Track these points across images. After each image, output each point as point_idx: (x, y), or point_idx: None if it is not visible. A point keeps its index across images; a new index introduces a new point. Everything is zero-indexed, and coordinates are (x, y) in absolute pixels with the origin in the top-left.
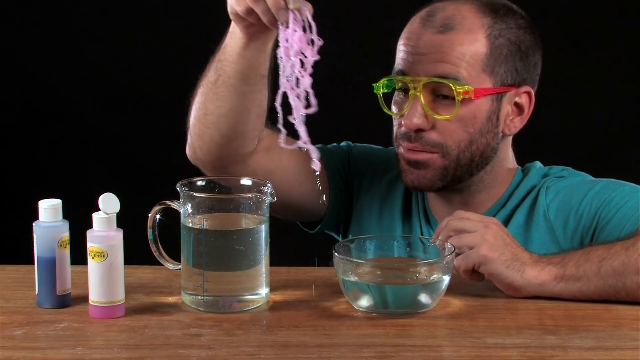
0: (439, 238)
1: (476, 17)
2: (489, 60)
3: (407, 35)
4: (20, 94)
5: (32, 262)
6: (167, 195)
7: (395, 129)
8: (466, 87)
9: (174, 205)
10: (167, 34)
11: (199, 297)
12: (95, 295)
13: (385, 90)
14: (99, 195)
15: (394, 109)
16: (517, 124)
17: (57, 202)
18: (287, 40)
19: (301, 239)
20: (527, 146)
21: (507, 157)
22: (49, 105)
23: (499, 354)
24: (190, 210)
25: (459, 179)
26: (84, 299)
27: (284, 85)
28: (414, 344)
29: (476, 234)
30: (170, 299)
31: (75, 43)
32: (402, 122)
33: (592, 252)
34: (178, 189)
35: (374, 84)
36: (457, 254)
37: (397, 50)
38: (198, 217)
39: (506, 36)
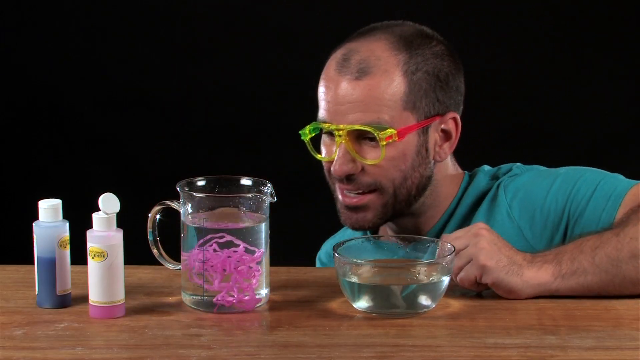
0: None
1: (391, 56)
2: (409, 98)
3: (325, 83)
4: (20, 94)
5: (32, 262)
6: (167, 195)
7: (325, 170)
8: (388, 132)
9: (174, 205)
10: (167, 34)
11: (199, 297)
12: (95, 295)
13: (313, 135)
14: (99, 195)
15: (323, 150)
16: (447, 149)
17: (57, 202)
18: None
19: (301, 239)
20: (525, 146)
21: (446, 174)
22: (49, 105)
23: (499, 354)
24: (190, 210)
25: (399, 213)
26: (84, 299)
27: None
28: (414, 344)
29: (470, 247)
30: (170, 299)
31: (75, 43)
32: (332, 169)
33: (584, 243)
34: (178, 189)
35: (300, 131)
36: (460, 267)
37: (319, 95)
38: (198, 216)
39: (423, 69)
